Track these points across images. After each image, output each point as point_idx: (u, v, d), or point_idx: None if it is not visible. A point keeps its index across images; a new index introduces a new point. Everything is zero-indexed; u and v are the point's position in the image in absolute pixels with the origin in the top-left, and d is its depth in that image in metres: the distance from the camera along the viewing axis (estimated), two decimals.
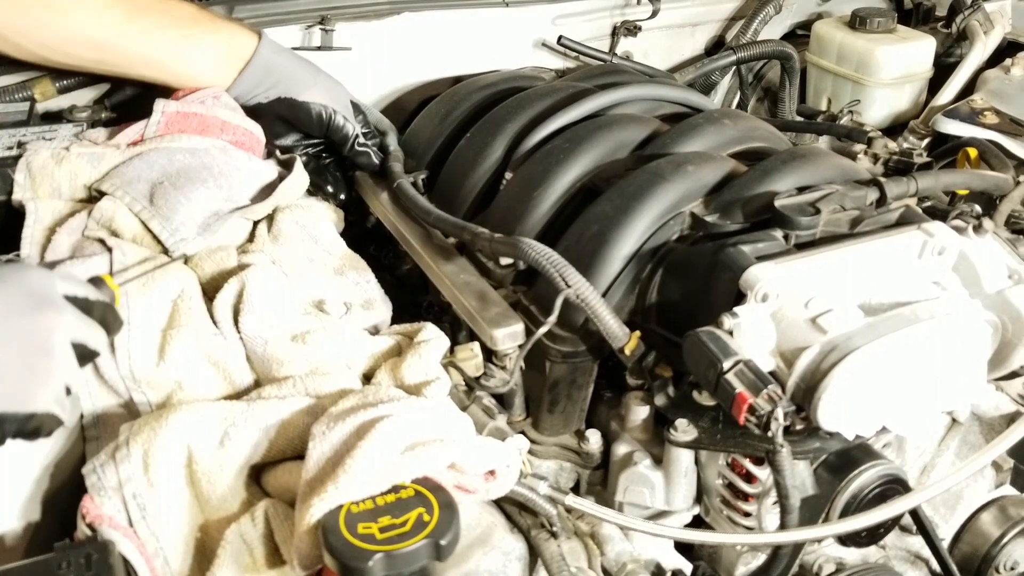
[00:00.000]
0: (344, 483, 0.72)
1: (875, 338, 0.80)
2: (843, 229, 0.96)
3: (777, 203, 0.93)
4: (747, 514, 0.93)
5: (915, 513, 0.99)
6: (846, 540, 0.97)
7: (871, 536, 0.96)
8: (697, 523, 1.00)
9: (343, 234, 1.20)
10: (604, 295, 0.95)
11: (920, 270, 0.90)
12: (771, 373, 0.83)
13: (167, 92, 1.20)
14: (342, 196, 1.26)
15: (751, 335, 0.83)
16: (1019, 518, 1.10)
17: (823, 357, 0.80)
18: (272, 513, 0.78)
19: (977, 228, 0.93)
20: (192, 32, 1.16)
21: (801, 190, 0.97)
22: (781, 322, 0.84)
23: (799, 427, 0.85)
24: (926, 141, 1.50)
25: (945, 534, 1.10)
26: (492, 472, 0.79)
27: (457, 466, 0.76)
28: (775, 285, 0.83)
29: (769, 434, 0.78)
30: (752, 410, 0.78)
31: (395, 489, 0.73)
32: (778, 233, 0.92)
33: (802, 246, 0.92)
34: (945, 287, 0.89)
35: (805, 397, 0.81)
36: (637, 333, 0.91)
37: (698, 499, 0.98)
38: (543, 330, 0.90)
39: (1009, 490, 1.12)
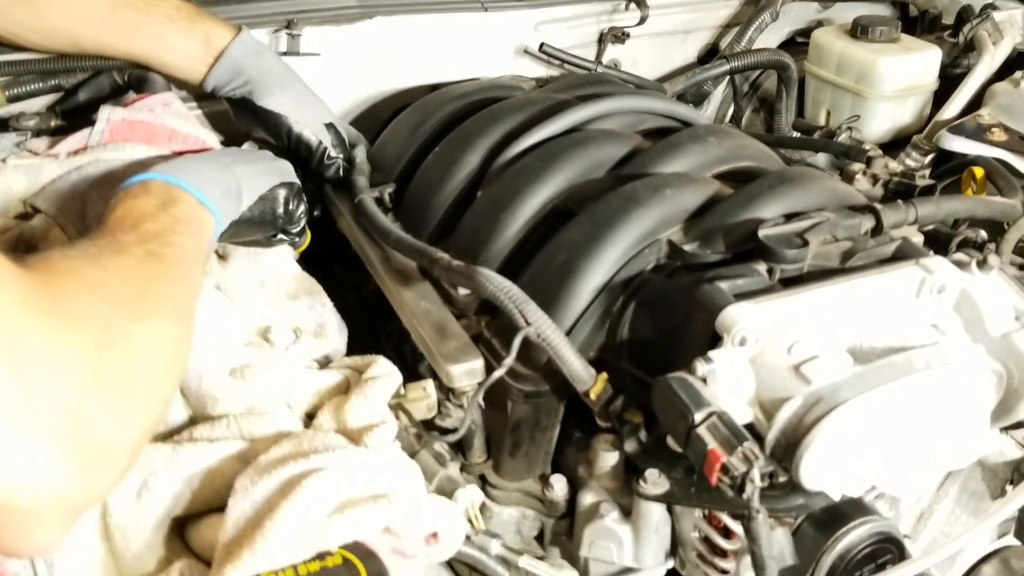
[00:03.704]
0: (261, 549, 0.64)
1: (864, 390, 0.72)
2: (833, 263, 0.88)
3: (761, 233, 0.85)
4: (724, 571, 0.85)
5: None
6: None
7: None
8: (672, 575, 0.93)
9: (309, 251, 1.12)
10: (570, 331, 0.87)
11: (917, 310, 0.82)
12: (749, 425, 0.75)
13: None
14: (316, 212, 1.19)
15: (727, 383, 0.75)
16: (1023, 572, 1.02)
17: (807, 410, 0.72)
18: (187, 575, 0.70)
19: (981, 264, 0.84)
20: (167, 31, 1.15)
21: (789, 217, 0.89)
22: (761, 368, 0.76)
23: (782, 479, 0.77)
24: (929, 158, 1.41)
25: None
26: (434, 534, 0.72)
27: (392, 530, 0.69)
28: (755, 327, 0.75)
29: (744, 497, 0.70)
30: (725, 469, 0.70)
31: (321, 556, 0.66)
32: (761, 267, 0.84)
33: (787, 281, 0.84)
34: (944, 331, 0.80)
35: (786, 453, 0.73)
36: (604, 376, 0.83)
37: (673, 551, 0.91)
38: (499, 372, 0.82)
39: (1012, 541, 1.04)
